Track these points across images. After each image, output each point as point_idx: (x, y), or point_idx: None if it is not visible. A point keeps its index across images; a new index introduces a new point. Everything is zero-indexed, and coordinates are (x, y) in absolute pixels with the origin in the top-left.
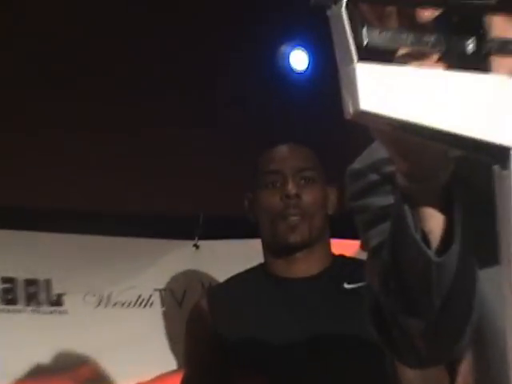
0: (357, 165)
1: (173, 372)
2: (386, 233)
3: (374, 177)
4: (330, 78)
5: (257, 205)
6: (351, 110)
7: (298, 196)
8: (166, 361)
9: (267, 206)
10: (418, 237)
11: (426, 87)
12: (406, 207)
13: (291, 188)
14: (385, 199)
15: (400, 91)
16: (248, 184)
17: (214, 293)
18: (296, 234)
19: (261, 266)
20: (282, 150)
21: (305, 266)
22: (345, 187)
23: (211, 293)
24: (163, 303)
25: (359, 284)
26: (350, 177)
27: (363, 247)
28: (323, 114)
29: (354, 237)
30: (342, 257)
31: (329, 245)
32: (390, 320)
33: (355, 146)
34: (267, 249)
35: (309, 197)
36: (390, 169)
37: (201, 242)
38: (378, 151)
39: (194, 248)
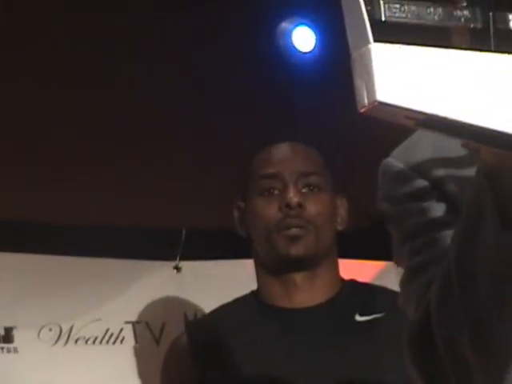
0: (397, 163)
1: None
2: (433, 247)
3: (422, 183)
4: (340, 62)
5: (250, 215)
6: (366, 100)
7: (300, 206)
8: None
9: (263, 216)
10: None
11: (457, 73)
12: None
13: (292, 196)
14: (435, 208)
15: (425, 78)
16: (236, 192)
17: (195, 327)
18: (298, 246)
19: (252, 293)
20: (282, 149)
21: (308, 293)
22: (352, 197)
23: (192, 327)
24: (137, 339)
25: (374, 316)
26: (390, 176)
27: (397, 262)
28: (331, 104)
29: (364, 256)
30: (352, 282)
31: (337, 267)
32: (443, 345)
33: (370, 142)
34: (262, 270)
35: (313, 207)
36: (438, 173)
37: (183, 263)
38: (420, 147)
39: (175, 270)
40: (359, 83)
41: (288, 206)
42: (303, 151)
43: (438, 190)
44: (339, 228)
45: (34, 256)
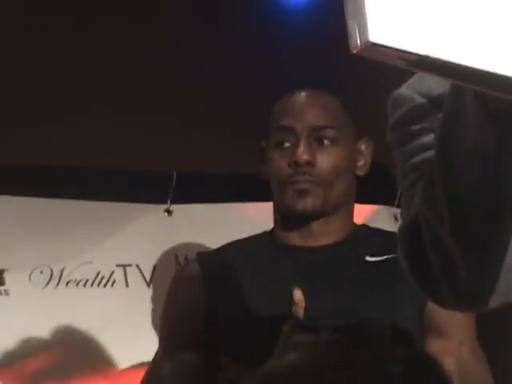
0: (404, 90)
1: (139, 366)
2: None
3: (420, 100)
4: (334, 7)
5: (267, 163)
6: (358, 41)
7: (309, 163)
8: (131, 352)
9: (274, 169)
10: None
11: (452, 13)
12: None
13: (302, 153)
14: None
15: (419, 18)
16: (228, 135)
17: (207, 258)
18: (306, 200)
19: (266, 233)
20: (300, 100)
21: (320, 236)
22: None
23: (204, 258)
24: (128, 282)
25: (384, 256)
26: (394, 102)
27: (400, 186)
28: (326, 52)
29: (365, 201)
30: (364, 226)
31: (351, 212)
32: (430, 240)
33: (366, 92)
34: (276, 213)
35: (325, 163)
36: (439, 91)
37: (174, 207)
38: (429, 78)
39: (166, 214)
40: (351, 24)
41: (297, 163)
42: (321, 101)
43: (439, 109)
44: (360, 173)
45: (24, 199)
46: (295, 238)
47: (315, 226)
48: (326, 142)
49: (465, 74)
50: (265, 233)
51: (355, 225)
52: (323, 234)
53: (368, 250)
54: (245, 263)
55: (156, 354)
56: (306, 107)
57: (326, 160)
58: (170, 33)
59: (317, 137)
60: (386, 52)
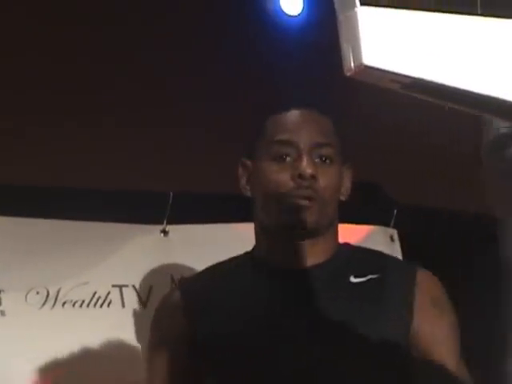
0: None
1: None
2: None
3: None
4: (327, 25)
5: (258, 178)
6: (352, 64)
7: (313, 177)
8: (126, 373)
9: (274, 182)
10: None
11: (443, 37)
12: None
13: (306, 167)
14: None
15: (411, 42)
16: (226, 154)
17: (188, 285)
18: (304, 217)
19: (247, 254)
20: (297, 117)
21: (305, 258)
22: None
23: (185, 285)
24: (124, 302)
25: (368, 277)
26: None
27: None
28: (319, 68)
29: (349, 220)
30: (347, 245)
31: (336, 234)
32: None
33: (356, 106)
34: (261, 232)
35: (325, 180)
36: None
37: (170, 227)
38: None
39: (162, 234)
40: (345, 47)
41: (301, 176)
42: (318, 120)
43: None
44: (342, 198)
45: (20, 219)
46: (278, 259)
47: (301, 245)
48: (325, 159)
49: (458, 96)
50: (246, 253)
51: (338, 244)
52: (307, 255)
53: (352, 271)
54: (226, 288)
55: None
56: (304, 124)
57: (325, 177)
58: (170, 52)
59: (317, 153)
60: (380, 75)
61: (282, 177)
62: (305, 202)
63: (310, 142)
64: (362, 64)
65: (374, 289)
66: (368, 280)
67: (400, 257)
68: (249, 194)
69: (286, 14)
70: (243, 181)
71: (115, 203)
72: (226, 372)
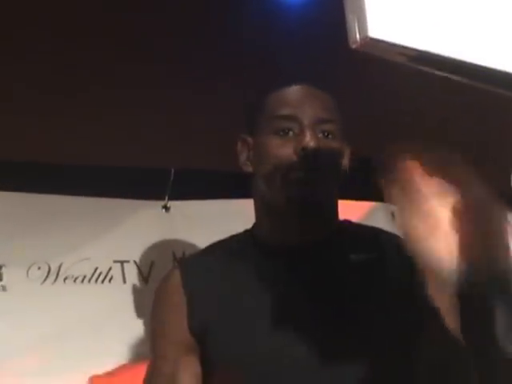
0: None
1: (135, 362)
2: None
3: None
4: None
5: (260, 153)
6: (357, 36)
7: (316, 151)
8: (127, 349)
9: (277, 156)
10: None
11: (451, 9)
12: None
13: (309, 141)
14: None
15: (418, 14)
16: (226, 130)
17: (188, 264)
18: (307, 191)
19: (247, 232)
20: (299, 92)
21: (306, 235)
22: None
23: (185, 264)
24: (125, 278)
25: (368, 254)
26: None
27: None
28: (323, 44)
29: (349, 196)
30: (347, 222)
31: (337, 210)
32: None
33: (358, 85)
34: (262, 208)
35: (328, 155)
36: None
37: (171, 203)
38: None
39: (164, 210)
40: (351, 19)
41: (304, 149)
42: (321, 96)
43: None
44: (342, 175)
45: (22, 194)
46: (279, 236)
47: (303, 221)
48: (327, 135)
49: (464, 69)
50: (247, 231)
51: (339, 221)
52: (308, 232)
53: (352, 248)
54: (227, 268)
55: (148, 371)
56: (307, 99)
57: (328, 152)
58: (170, 32)
59: (320, 129)
60: (386, 47)
61: (284, 151)
62: (308, 176)
63: (313, 117)
64: (367, 36)
65: (374, 265)
66: (368, 257)
67: (401, 233)
68: (250, 169)
69: None
70: (243, 157)
71: (117, 179)
72: (225, 353)
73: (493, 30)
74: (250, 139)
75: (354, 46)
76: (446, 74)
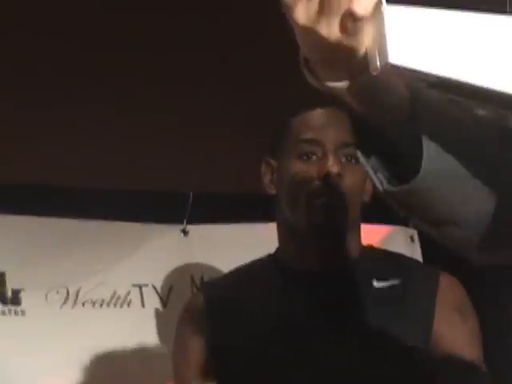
0: None
1: None
2: None
3: None
4: None
5: (283, 176)
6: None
7: (339, 176)
8: (147, 375)
9: (300, 180)
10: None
11: (471, 35)
12: None
13: (332, 165)
14: None
15: (439, 40)
16: (249, 155)
17: (212, 288)
18: (329, 217)
19: (270, 256)
20: (323, 116)
21: (329, 259)
22: None
23: (209, 288)
24: (144, 302)
25: (391, 282)
26: None
27: None
28: None
29: (369, 220)
30: (371, 248)
31: (359, 235)
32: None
33: None
34: (285, 231)
35: (351, 179)
36: None
37: (190, 227)
38: None
39: (182, 234)
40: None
41: (327, 174)
42: (344, 120)
43: None
44: (366, 200)
45: (42, 219)
46: (303, 260)
47: (327, 245)
48: (350, 159)
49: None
50: (270, 255)
51: (362, 246)
52: (333, 256)
53: (375, 274)
54: (250, 292)
55: None
56: (330, 123)
57: (351, 176)
58: (185, 59)
59: (343, 153)
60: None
61: (308, 175)
62: (331, 201)
63: (337, 141)
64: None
65: (396, 293)
66: (390, 284)
67: (420, 257)
68: (273, 192)
69: None
70: (266, 179)
71: (136, 203)
72: (248, 378)
73: (508, 56)
74: (273, 162)
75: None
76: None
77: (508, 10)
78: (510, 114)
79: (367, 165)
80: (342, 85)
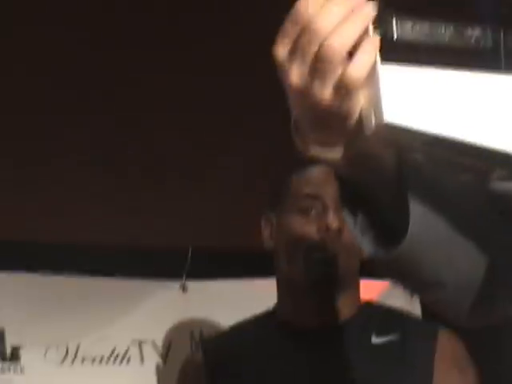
0: None
1: None
2: None
3: None
4: None
5: (283, 232)
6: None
7: (339, 231)
8: None
9: (300, 235)
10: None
11: (466, 94)
12: None
13: (332, 220)
14: None
15: (434, 99)
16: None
17: (211, 346)
18: (329, 272)
19: (269, 312)
20: (323, 171)
21: (329, 315)
22: None
23: (208, 346)
24: (143, 358)
25: (389, 338)
26: None
27: None
28: None
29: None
30: (369, 303)
31: (359, 290)
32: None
33: None
34: (285, 287)
35: (350, 235)
36: None
37: (189, 283)
38: None
39: (181, 290)
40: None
41: (328, 229)
42: None
43: None
44: (363, 255)
45: (41, 276)
46: (300, 317)
47: (325, 300)
48: None
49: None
50: (269, 311)
51: (361, 301)
52: (331, 312)
53: (374, 330)
54: (247, 349)
55: None
56: (330, 178)
57: (349, 231)
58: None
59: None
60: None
61: (308, 229)
62: (330, 256)
63: (336, 196)
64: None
65: (394, 349)
66: (389, 340)
67: (419, 312)
68: (272, 247)
69: None
70: (266, 233)
71: (133, 259)
72: None
73: (506, 114)
74: (273, 216)
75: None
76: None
77: (503, 68)
78: (493, 175)
79: (353, 226)
80: (332, 155)
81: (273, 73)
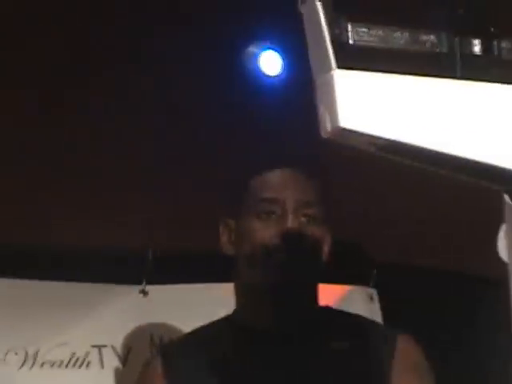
0: None
1: None
2: None
3: None
4: (307, 86)
5: (242, 236)
6: (329, 126)
7: (299, 234)
8: None
9: (259, 239)
10: None
11: (421, 100)
12: None
13: (292, 223)
14: None
15: (388, 104)
16: (209, 211)
17: (170, 351)
18: (289, 274)
19: (228, 317)
20: (283, 175)
21: (287, 319)
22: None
23: (166, 351)
24: (103, 363)
25: (347, 342)
26: None
27: None
28: (299, 128)
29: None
30: (328, 308)
31: (316, 295)
32: None
33: (336, 166)
34: (244, 291)
35: (309, 238)
36: None
37: (149, 287)
38: None
39: (141, 294)
40: (323, 109)
41: (286, 232)
42: (303, 180)
43: None
44: (323, 260)
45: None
46: (259, 321)
47: (283, 304)
48: (309, 219)
49: (434, 159)
50: (227, 316)
51: (319, 306)
52: (289, 316)
53: (332, 335)
54: (207, 354)
55: None
56: (290, 182)
57: (310, 236)
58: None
59: (302, 212)
60: (357, 137)
61: (266, 233)
62: (289, 260)
63: (296, 201)
64: (338, 126)
65: (353, 354)
66: (348, 345)
67: (379, 316)
68: (231, 252)
69: (265, 75)
70: (224, 239)
71: (94, 263)
72: None
73: (464, 120)
74: (231, 221)
75: (325, 136)
76: (415, 164)
77: (458, 74)
78: None
79: None
80: None
81: None
